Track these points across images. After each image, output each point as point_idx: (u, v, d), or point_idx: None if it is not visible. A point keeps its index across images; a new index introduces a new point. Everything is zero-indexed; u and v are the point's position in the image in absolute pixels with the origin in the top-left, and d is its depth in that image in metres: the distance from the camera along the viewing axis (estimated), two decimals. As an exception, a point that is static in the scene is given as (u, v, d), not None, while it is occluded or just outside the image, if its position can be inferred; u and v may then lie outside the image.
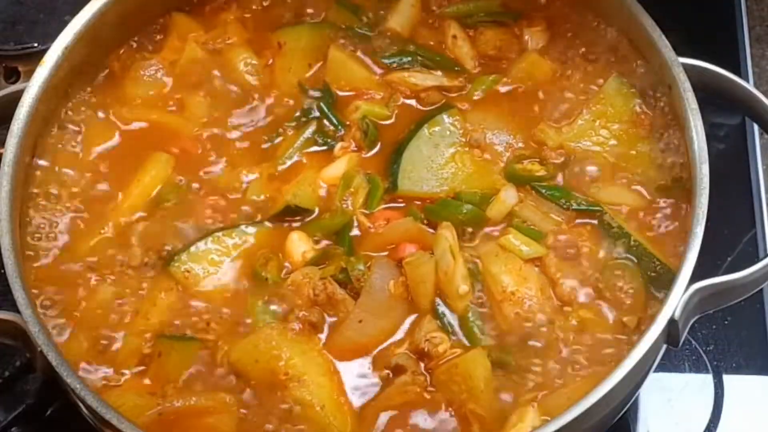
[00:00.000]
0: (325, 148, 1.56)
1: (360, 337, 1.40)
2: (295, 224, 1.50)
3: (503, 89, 1.60)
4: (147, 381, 1.40)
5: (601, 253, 1.45)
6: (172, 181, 1.54)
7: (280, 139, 1.57)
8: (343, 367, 1.40)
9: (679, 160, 1.49)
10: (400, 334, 1.41)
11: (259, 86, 1.62)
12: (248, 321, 1.43)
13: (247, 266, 1.47)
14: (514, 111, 1.58)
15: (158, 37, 1.65)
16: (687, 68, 1.46)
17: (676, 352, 1.66)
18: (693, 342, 1.68)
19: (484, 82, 1.60)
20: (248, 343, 1.40)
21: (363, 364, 1.40)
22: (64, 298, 1.45)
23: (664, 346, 1.39)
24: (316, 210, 1.51)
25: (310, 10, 1.67)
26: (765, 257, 1.37)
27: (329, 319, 1.42)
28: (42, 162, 1.54)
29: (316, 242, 1.48)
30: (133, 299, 1.45)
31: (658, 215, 1.47)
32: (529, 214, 1.48)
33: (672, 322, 1.32)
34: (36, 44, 1.86)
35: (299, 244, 1.47)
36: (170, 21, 1.66)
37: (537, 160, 1.52)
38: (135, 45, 1.64)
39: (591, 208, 1.48)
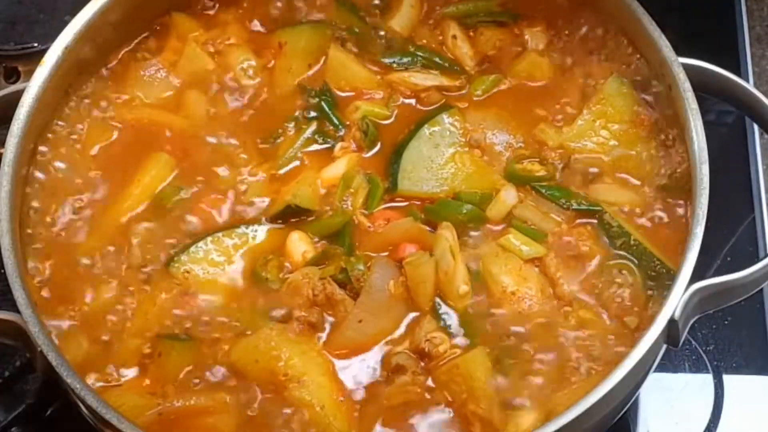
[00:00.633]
0: (325, 148, 1.56)
1: (360, 337, 1.40)
2: (295, 224, 1.50)
3: (503, 89, 1.60)
4: (147, 381, 1.40)
5: (601, 253, 1.45)
6: (172, 181, 1.54)
7: (280, 139, 1.57)
8: (343, 367, 1.40)
9: (679, 160, 1.49)
10: (400, 334, 1.41)
11: (259, 86, 1.62)
12: (248, 321, 1.43)
13: (247, 266, 1.47)
14: (514, 111, 1.58)
15: (158, 37, 1.65)
16: (687, 68, 1.45)
17: (676, 352, 1.66)
18: (693, 342, 1.68)
19: (484, 82, 1.60)
20: (248, 343, 1.40)
21: (363, 364, 1.40)
22: (65, 298, 1.45)
23: (664, 346, 1.39)
24: (316, 210, 1.51)
25: (308, 9, 1.67)
26: (765, 257, 1.37)
27: (329, 319, 1.42)
28: (42, 162, 1.54)
29: (316, 242, 1.48)
30: (133, 299, 1.45)
31: (658, 215, 1.47)
32: (529, 214, 1.48)
33: (672, 322, 1.32)
34: (36, 44, 1.86)
35: (299, 244, 1.47)
36: (170, 21, 1.65)
37: (537, 160, 1.52)
38: (135, 45, 1.64)
39: (591, 208, 1.48)
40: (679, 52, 1.47)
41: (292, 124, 1.58)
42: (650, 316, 1.38)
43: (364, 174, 1.52)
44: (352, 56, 1.62)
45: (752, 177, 1.82)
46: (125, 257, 1.48)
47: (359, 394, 1.38)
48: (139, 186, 1.53)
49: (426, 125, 1.53)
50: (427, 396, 1.37)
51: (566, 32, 1.63)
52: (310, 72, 1.62)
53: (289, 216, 1.50)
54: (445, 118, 1.54)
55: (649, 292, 1.42)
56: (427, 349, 1.38)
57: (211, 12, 1.68)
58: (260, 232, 1.49)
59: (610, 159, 1.51)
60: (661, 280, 1.41)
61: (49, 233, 1.49)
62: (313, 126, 1.57)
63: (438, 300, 1.42)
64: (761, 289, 1.46)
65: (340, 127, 1.57)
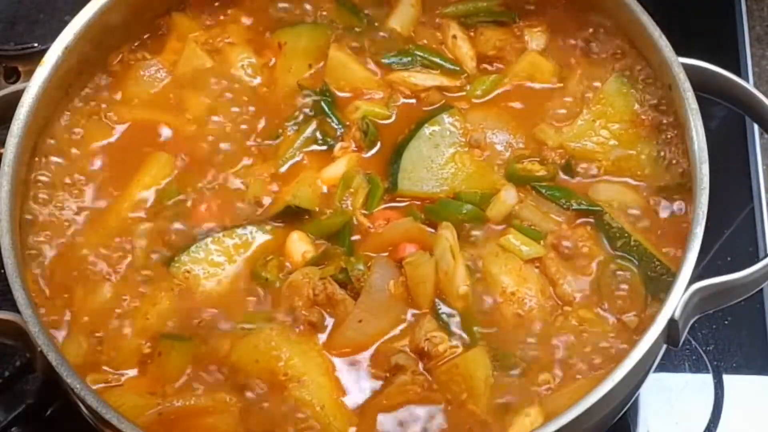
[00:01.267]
0: (325, 148, 1.56)
1: (360, 336, 1.40)
2: (295, 224, 1.50)
3: (503, 89, 1.60)
4: (147, 381, 1.40)
5: (601, 253, 1.45)
6: (172, 181, 1.54)
7: (280, 139, 1.57)
8: (343, 366, 1.40)
9: (679, 160, 1.49)
10: (400, 334, 1.41)
11: (259, 86, 1.62)
12: (248, 321, 1.43)
13: (247, 266, 1.47)
14: (514, 111, 1.58)
15: (158, 37, 1.65)
16: (687, 68, 1.46)
17: (676, 352, 1.66)
18: (693, 342, 1.68)
19: (484, 82, 1.60)
20: (248, 343, 1.40)
21: (363, 364, 1.40)
22: (65, 298, 1.45)
23: (664, 346, 1.39)
24: (317, 210, 1.50)
25: (308, 9, 1.67)
26: (765, 257, 1.37)
27: (329, 319, 1.42)
28: (42, 162, 1.54)
29: (316, 242, 1.48)
30: (133, 299, 1.45)
31: (658, 215, 1.47)
32: (529, 214, 1.48)
33: (672, 322, 1.32)
34: (36, 44, 1.86)
35: (299, 244, 1.47)
36: (170, 21, 1.66)
37: (537, 160, 1.52)
38: (135, 45, 1.64)
39: (591, 208, 1.48)
40: (679, 52, 1.47)
41: (292, 124, 1.58)
42: (650, 316, 1.38)
43: (364, 174, 1.52)
44: (352, 56, 1.62)
45: (752, 177, 1.82)
46: (125, 257, 1.48)
47: (359, 394, 1.38)
48: (139, 185, 1.53)
49: (426, 125, 1.53)
50: (427, 396, 1.37)
51: (566, 32, 1.63)
52: (310, 72, 1.62)
53: (289, 216, 1.50)
54: (446, 118, 1.54)
55: (649, 292, 1.42)
56: (426, 349, 1.38)
57: (211, 12, 1.68)
58: (260, 232, 1.49)
59: (610, 159, 1.51)
60: (660, 280, 1.41)
61: (49, 233, 1.49)
62: (313, 126, 1.57)
63: (438, 300, 1.42)
64: (761, 289, 1.46)
65: (340, 127, 1.57)
